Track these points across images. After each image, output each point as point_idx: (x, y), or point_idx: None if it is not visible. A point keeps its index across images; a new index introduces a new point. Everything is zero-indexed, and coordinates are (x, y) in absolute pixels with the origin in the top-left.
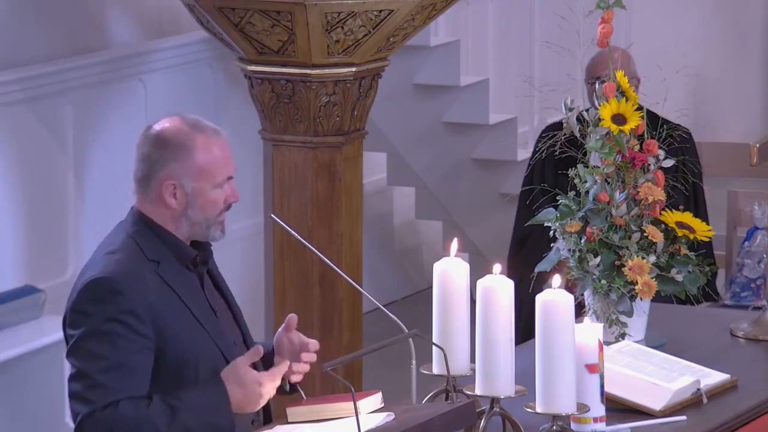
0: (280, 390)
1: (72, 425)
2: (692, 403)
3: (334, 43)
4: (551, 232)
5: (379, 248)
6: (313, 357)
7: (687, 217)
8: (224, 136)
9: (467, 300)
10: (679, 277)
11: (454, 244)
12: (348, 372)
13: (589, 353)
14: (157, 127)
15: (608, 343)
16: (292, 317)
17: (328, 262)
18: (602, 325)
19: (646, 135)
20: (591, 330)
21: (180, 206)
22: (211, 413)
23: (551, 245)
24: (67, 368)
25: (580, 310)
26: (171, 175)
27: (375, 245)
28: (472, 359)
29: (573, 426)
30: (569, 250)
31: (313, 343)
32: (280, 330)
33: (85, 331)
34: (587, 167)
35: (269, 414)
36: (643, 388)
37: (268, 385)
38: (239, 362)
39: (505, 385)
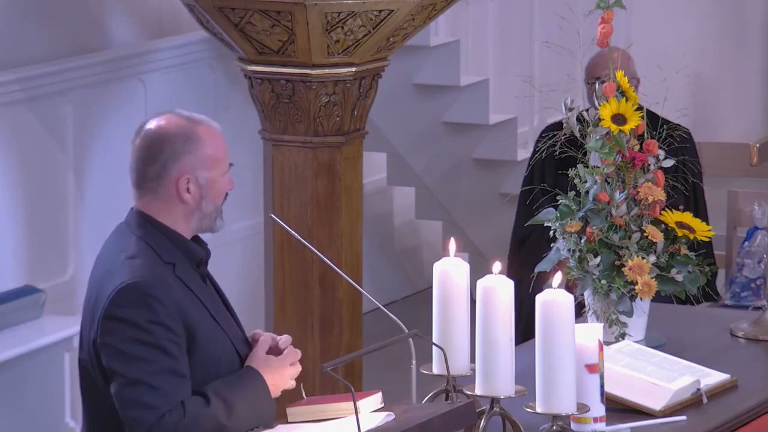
0: None
1: (71, 424)
2: (692, 403)
3: (334, 43)
4: (551, 232)
5: (379, 248)
6: (297, 354)
7: (687, 217)
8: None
9: (467, 300)
10: (679, 277)
11: (452, 244)
12: (348, 372)
13: (589, 353)
14: (153, 126)
15: (608, 343)
16: (256, 333)
17: (328, 262)
18: (602, 325)
19: (646, 135)
20: (591, 330)
21: (194, 201)
22: (257, 403)
23: (551, 245)
24: (67, 368)
25: (580, 310)
26: (185, 170)
27: (375, 245)
28: (472, 359)
29: (573, 426)
30: (569, 250)
31: (285, 339)
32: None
33: (128, 338)
34: (587, 167)
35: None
36: (643, 388)
37: (294, 367)
38: (258, 351)
39: (505, 385)
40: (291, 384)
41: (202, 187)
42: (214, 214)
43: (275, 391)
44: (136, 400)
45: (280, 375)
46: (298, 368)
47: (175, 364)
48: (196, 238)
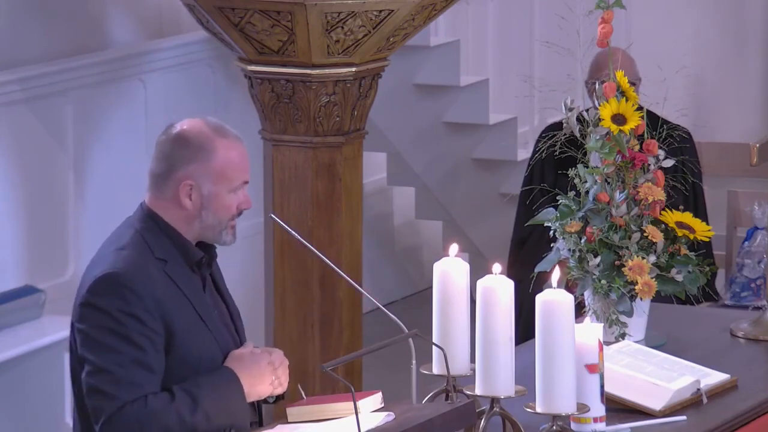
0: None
1: (71, 424)
2: (692, 403)
3: (334, 43)
4: (551, 232)
5: (379, 248)
6: (276, 353)
7: (687, 217)
8: (243, 143)
9: (467, 300)
10: (679, 277)
11: (454, 249)
12: (348, 372)
13: (589, 353)
14: (179, 126)
15: (608, 343)
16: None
17: (328, 262)
18: (602, 325)
19: (646, 135)
20: (591, 330)
21: (195, 208)
22: (227, 401)
23: (551, 245)
24: (67, 368)
25: (580, 310)
26: (189, 176)
27: (375, 245)
28: (472, 359)
29: (573, 426)
30: (569, 250)
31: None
32: None
33: (99, 326)
34: (587, 167)
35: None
36: (643, 388)
37: (271, 367)
38: (236, 350)
39: (505, 385)
40: (270, 389)
41: (204, 198)
42: (218, 228)
43: (252, 392)
44: (99, 388)
45: (258, 374)
46: (280, 370)
47: (143, 356)
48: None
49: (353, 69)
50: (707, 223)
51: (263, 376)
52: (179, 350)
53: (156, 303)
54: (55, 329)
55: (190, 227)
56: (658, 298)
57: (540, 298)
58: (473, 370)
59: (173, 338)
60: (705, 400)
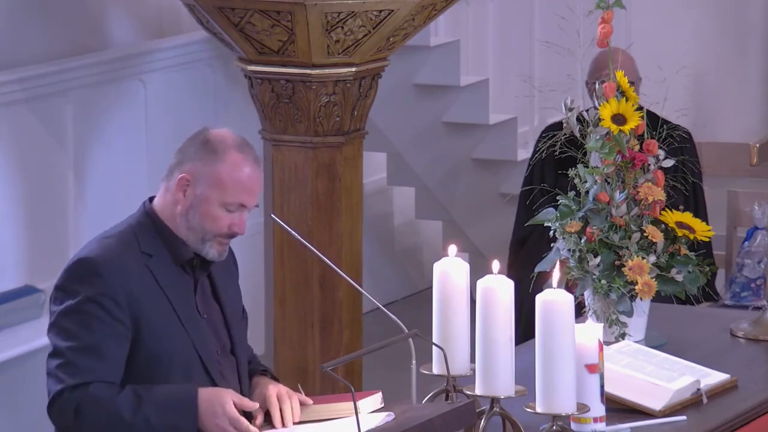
0: None
1: None
2: (692, 403)
3: (334, 43)
4: (551, 232)
5: (379, 248)
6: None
7: (687, 217)
8: (260, 172)
9: (467, 300)
10: (679, 277)
11: (453, 250)
12: (348, 372)
13: (589, 353)
14: (210, 130)
15: (608, 343)
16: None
17: (328, 262)
18: (602, 325)
19: (646, 135)
20: (591, 330)
21: (184, 204)
22: (175, 414)
23: (551, 245)
24: None
25: (580, 310)
26: (191, 171)
27: (375, 245)
28: (472, 359)
29: (573, 426)
30: (569, 250)
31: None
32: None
33: (64, 309)
34: (587, 167)
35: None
36: (643, 388)
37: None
38: (226, 393)
39: (505, 385)
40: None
41: (195, 197)
42: (201, 235)
43: (208, 425)
44: (50, 370)
45: (213, 418)
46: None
47: (98, 344)
48: None
49: (353, 69)
50: (707, 223)
51: (216, 415)
52: (149, 344)
53: (127, 294)
54: None
55: (180, 225)
56: (658, 298)
57: (540, 298)
58: (473, 370)
59: (142, 332)
60: (705, 400)
